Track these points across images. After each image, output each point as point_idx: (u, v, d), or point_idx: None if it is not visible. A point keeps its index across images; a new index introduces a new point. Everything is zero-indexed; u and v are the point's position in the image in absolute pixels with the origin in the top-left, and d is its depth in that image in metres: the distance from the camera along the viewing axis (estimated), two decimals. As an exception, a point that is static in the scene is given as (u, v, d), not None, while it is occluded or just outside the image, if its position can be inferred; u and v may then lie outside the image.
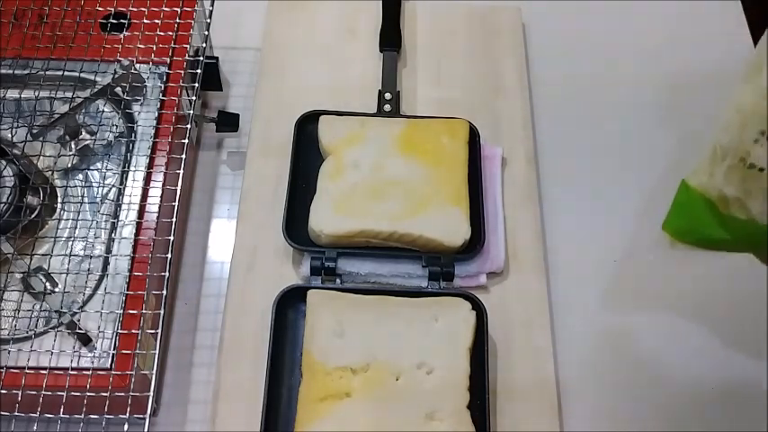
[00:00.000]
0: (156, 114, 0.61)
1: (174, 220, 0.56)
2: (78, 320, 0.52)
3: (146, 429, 0.49)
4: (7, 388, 0.50)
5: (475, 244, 0.63)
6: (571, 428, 0.59)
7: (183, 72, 0.62)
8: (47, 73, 0.61)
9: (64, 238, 0.57)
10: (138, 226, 0.56)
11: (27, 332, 0.52)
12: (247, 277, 0.64)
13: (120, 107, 0.61)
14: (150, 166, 0.59)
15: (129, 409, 0.49)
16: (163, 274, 0.54)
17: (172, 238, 0.55)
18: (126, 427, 0.49)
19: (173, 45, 0.63)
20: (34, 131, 0.59)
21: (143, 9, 0.65)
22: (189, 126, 0.62)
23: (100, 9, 0.65)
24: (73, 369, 0.51)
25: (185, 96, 0.63)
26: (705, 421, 0.60)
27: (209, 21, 0.66)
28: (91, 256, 0.55)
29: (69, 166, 0.60)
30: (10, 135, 0.59)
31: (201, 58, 0.64)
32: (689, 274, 0.67)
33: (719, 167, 0.39)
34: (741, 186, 0.39)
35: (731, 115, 0.39)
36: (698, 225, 0.42)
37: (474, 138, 0.69)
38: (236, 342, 0.61)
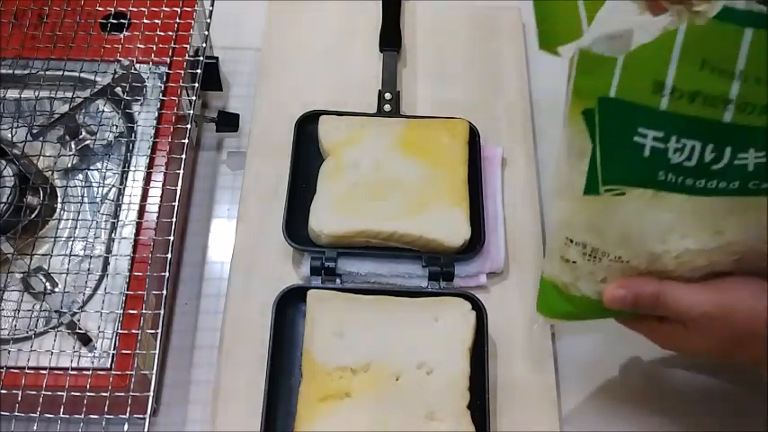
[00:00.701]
0: (156, 114, 0.61)
1: (173, 220, 0.56)
2: (78, 320, 0.52)
3: (146, 429, 0.49)
4: (7, 388, 0.50)
5: (475, 244, 0.63)
6: (571, 428, 0.59)
7: (183, 72, 0.62)
8: (47, 73, 0.61)
9: (64, 238, 0.57)
10: (138, 226, 0.56)
11: (27, 332, 0.52)
12: (247, 277, 0.64)
13: (120, 107, 0.61)
14: (150, 166, 0.59)
15: (128, 409, 0.49)
16: (163, 274, 0.54)
17: (172, 238, 0.55)
18: (126, 427, 0.49)
19: (173, 45, 0.63)
20: (34, 131, 0.59)
21: (143, 9, 0.65)
22: (189, 126, 0.62)
23: (100, 9, 0.65)
24: (73, 369, 0.51)
25: (185, 96, 0.63)
26: (705, 421, 0.60)
27: (209, 21, 0.66)
28: (91, 256, 0.55)
29: (69, 166, 0.60)
30: (10, 135, 0.59)
31: (201, 58, 0.64)
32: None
33: (552, 263, 0.51)
34: (571, 275, 0.50)
35: (552, 225, 0.52)
36: (554, 305, 0.53)
37: (474, 138, 0.69)
38: (236, 342, 0.61)
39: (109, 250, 0.56)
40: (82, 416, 0.49)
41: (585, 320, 0.54)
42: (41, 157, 0.58)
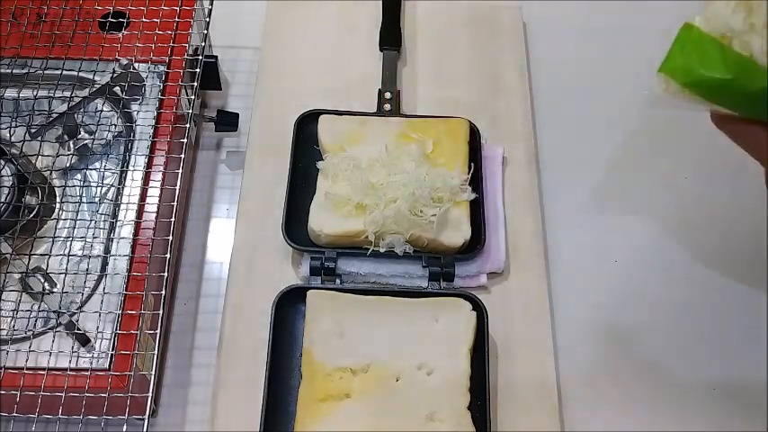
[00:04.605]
0: (155, 114, 0.61)
1: (172, 219, 0.56)
2: (77, 321, 0.52)
3: (144, 430, 0.49)
4: (6, 389, 0.49)
5: (475, 244, 0.63)
6: (571, 428, 0.59)
7: (182, 71, 0.62)
8: (45, 72, 0.61)
9: (62, 238, 0.57)
10: (137, 226, 0.56)
11: (25, 332, 0.52)
12: (247, 277, 0.64)
13: (119, 106, 0.61)
14: (149, 165, 0.59)
15: (127, 410, 0.49)
16: (162, 274, 0.53)
17: (171, 238, 0.55)
18: (125, 428, 0.49)
19: (172, 44, 0.63)
20: (32, 131, 0.58)
21: (142, 8, 0.64)
22: (188, 125, 0.61)
23: (99, 8, 0.65)
24: (71, 370, 0.50)
25: (184, 96, 0.63)
26: (705, 421, 0.60)
27: (208, 20, 0.66)
28: (89, 256, 0.55)
29: (68, 165, 0.60)
30: (8, 134, 0.59)
31: (201, 57, 0.64)
32: (689, 275, 0.67)
33: (720, 3, 0.41)
34: (747, 19, 0.40)
35: None
36: (698, 62, 0.41)
37: (474, 137, 0.68)
38: (236, 342, 0.61)
39: (107, 250, 0.55)
40: (81, 417, 0.49)
41: (711, 100, 0.43)
42: (40, 157, 0.58)
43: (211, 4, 0.66)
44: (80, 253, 0.56)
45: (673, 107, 0.44)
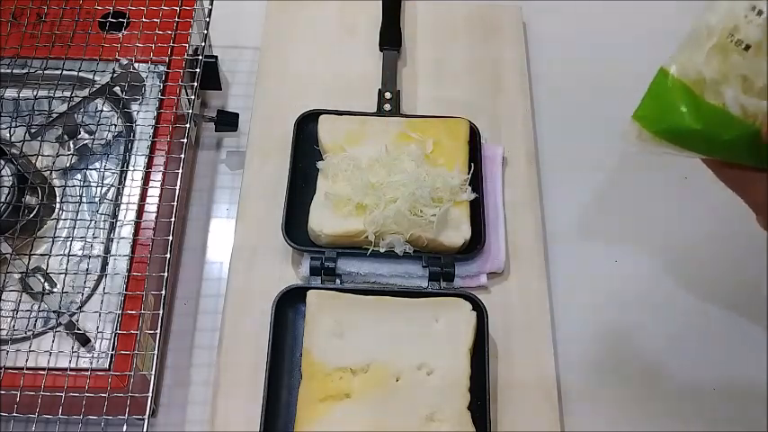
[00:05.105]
0: (155, 114, 0.61)
1: (172, 219, 0.56)
2: (77, 321, 0.52)
3: (144, 430, 0.49)
4: (6, 389, 0.49)
5: (475, 244, 0.63)
6: (571, 428, 0.59)
7: (182, 71, 0.62)
8: (45, 72, 0.61)
9: (62, 238, 0.57)
10: (137, 226, 0.56)
11: (25, 332, 0.52)
12: (247, 277, 0.64)
13: (119, 106, 0.61)
14: (149, 165, 0.59)
15: (127, 410, 0.49)
16: (162, 274, 0.53)
17: (171, 238, 0.55)
18: (125, 428, 0.49)
19: (172, 44, 0.63)
20: (33, 131, 0.58)
21: (142, 8, 0.64)
22: (188, 125, 0.61)
23: (99, 8, 0.65)
24: (71, 370, 0.50)
25: (184, 95, 0.63)
26: (705, 421, 0.60)
27: (208, 20, 0.66)
28: (89, 256, 0.55)
29: (68, 165, 0.60)
30: (8, 134, 0.59)
31: (201, 57, 0.64)
32: (689, 275, 0.67)
33: (701, 49, 0.40)
34: (720, 69, 0.39)
35: None
36: (669, 112, 0.41)
37: (474, 137, 0.68)
38: (236, 342, 0.61)
39: (107, 250, 0.55)
40: (81, 417, 0.49)
41: (685, 148, 0.42)
42: (40, 157, 0.58)
43: (211, 4, 0.66)
44: (80, 253, 0.56)
45: (649, 153, 0.43)
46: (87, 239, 0.56)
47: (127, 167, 0.59)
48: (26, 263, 0.54)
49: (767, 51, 0.38)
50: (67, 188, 0.59)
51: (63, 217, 0.58)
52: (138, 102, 0.61)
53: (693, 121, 0.40)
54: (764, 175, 0.41)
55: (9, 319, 0.52)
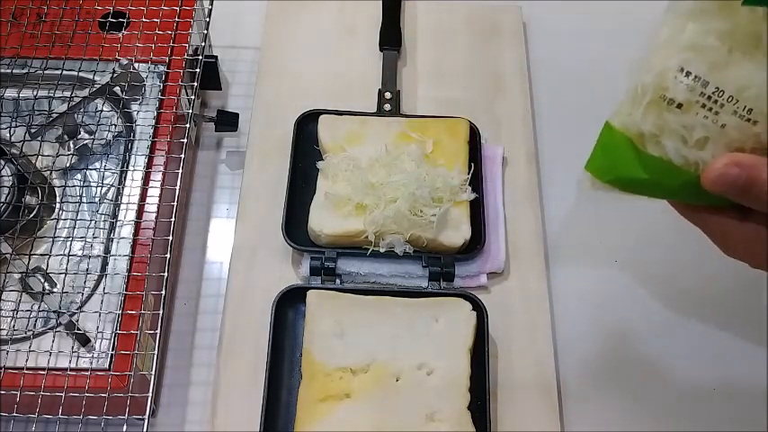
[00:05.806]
0: (155, 114, 0.61)
1: (172, 219, 0.56)
2: (77, 321, 0.52)
3: (144, 430, 0.49)
4: (6, 389, 0.49)
5: (475, 244, 0.63)
6: (571, 428, 0.59)
7: (182, 71, 0.62)
8: (45, 72, 0.61)
9: (62, 238, 0.57)
10: (137, 226, 0.56)
11: (25, 332, 0.52)
12: (247, 277, 0.64)
13: (119, 106, 0.61)
14: (149, 165, 0.59)
15: (127, 410, 0.49)
16: (162, 274, 0.53)
17: (171, 238, 0.55)
18: (125, 428, 0.49)
19: (172, 44, 0.63)
20: (32, 131, 0.58)
21: (142, 8, 0.64)
22: (188, 125, 0.61)
23: (99, 8, 0.65)
24: (71, 370, 0.50)
25: (184, 95, 0.63)
26: (705, 421, 0.60)
27: (208, 20, 0.66)
28: (89, 256, 0.55)
29: (68, 165, 0.60)
30: (8, 134, 0.59)
31: (201, 57, 0.64)
32: (689, 274, 0.67)
33: (639, 106, 0.41)
34: (657, 123, 0.40)
35: (653, 55, 0.42)
36: (617, 163, 0.43)
37: (474, 137, 0.68)
38: (236, 343, 0.61)
39: (107, 250, 0.55)
40: (80, 417, 0.49)
41: (638, 194, 0.44)
42: (40, 157, 0.58)
43: (211, 4, 0.66)
44: (80, 253, 0.56)
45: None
46: (87, 239, 0.56)
47: (127, 167, 0.59)
48: (26, 263, 0.54)
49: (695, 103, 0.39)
50: (67, 188, 0.59)
51: (63, 217, 0.58)
52: (138, 102, 0.61)
53: (640, 171, 0.42)
54: (719, 213, 0.42)
55: (9, 319, 0.52)
